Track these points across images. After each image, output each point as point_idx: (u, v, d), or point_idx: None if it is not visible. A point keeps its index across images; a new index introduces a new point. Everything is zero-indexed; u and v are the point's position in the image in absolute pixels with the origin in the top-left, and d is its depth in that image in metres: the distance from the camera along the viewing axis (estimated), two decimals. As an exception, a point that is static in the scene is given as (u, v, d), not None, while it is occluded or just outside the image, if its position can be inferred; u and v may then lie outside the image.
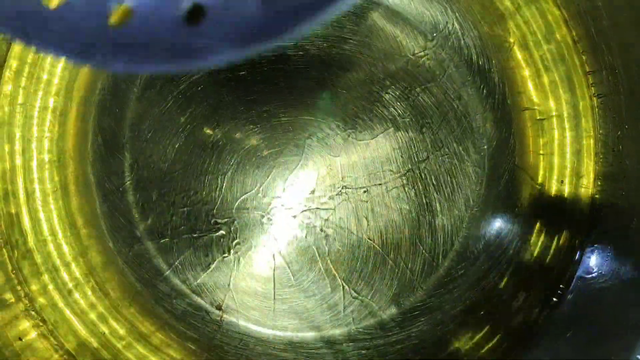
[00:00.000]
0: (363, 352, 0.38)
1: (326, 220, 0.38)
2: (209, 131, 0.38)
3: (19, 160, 0.38)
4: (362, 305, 0.38)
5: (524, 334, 0.37)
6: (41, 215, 0.38)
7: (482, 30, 0.38)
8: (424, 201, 0.38)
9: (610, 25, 0.34)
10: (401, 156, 0.38)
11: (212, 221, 0.38)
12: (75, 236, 0.38)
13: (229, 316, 0.38)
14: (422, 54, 0.38)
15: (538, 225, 0.38)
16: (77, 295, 0.38)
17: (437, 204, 0.38)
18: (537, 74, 0.38)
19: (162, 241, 0.38)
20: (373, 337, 0.38)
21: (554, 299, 0.37)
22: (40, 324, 0.37)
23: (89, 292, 0.38)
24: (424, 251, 0.38)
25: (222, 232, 0.38)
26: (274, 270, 0.38)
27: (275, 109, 0.38)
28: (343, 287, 0.38)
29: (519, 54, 0.38)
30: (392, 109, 0.38)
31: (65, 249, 0.38)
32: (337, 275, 0.38)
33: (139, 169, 0.38)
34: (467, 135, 0.38)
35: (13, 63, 0.37)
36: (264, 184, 0.38)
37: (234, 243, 0.38)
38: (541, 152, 0.38)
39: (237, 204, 0.38)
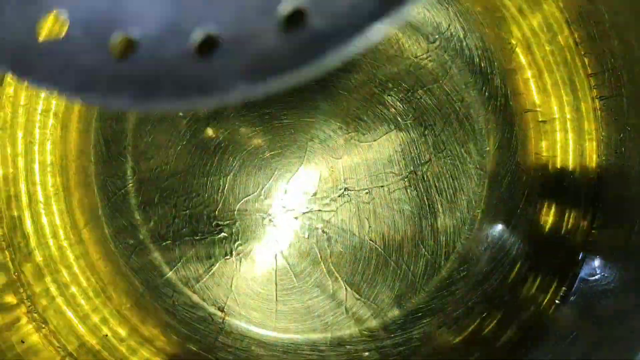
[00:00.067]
0: (365, 354, 0.38)
1: (328, 222, 0.38)
2: (211, 133, 0.38)
3: (21, 163, 0.38)
4: (364, 307, 0.38)
5: (526, 336, 0.37)
6: (43, 217, 0.38)
7: (484, 33, 0.38)
8: (426, 203, 0.38)
9: (612, 27, 0.34)
10: (403, 158, 0.38)
11: (214, 223, 0.38)
12: (77, 238, 0.38)
13: (231, 318, 0.38)
14: (424, 56, 0.38)
15: (540, 227, 0.38)
16: (79, 297, 0.38)
17: (439, 206, 0.38)
18: (539, 76, 0.38)
19: (164, 243, 0.38)
20: (375, 339, 0.38)
21: (557, 301, 0.37)
22: (43, 326, 0.37)
23: (91, 295, 0.38)
24: (426, 253, 0.38)
25: (224, 234, 0.38)
26: (276, 272, 0.38)
27: (277, 111, 0.38)
28: (345, 288, 0.38)
29: (521, 56, 0.38)
30: (394, 111, 0.38)
31: (68, 251, 0.38)
32: (339, 277, 0.38)
33: (141, 171, 0.38)
34: (469, 137, 0.38)
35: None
36: (266, 185, 0.38)
37: (235, 245, 0.38)
38: (543, 153, 0.38)
39: (239, 205, 0.38)
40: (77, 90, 0.14)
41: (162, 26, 0.14)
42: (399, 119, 0.38)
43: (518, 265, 0.38)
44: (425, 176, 0.38)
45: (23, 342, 0.35)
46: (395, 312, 0.38)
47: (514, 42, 0.38)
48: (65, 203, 0.38)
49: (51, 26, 0.15)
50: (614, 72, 0.35)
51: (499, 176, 0.38)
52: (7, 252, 0.37)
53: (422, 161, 0.38)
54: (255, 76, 0.13)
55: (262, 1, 0.14)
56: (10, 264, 0.37)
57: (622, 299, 0.33)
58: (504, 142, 0.38)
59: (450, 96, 0.38)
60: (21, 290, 0.37)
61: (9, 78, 0.37)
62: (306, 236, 0.38)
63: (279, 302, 0.38)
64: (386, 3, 0.12)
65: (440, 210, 0.38)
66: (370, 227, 0.38)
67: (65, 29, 0.14)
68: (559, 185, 0.38)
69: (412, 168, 0.38)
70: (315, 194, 0.38)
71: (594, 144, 0.37)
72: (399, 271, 0.38)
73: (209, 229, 0.38)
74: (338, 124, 0.38)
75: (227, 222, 0.38)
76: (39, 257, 0.38)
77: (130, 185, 0.38)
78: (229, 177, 0.38)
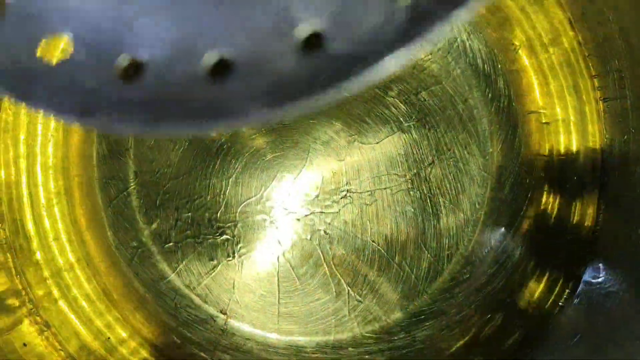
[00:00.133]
0: (368, 356, 0.38)
1: (330, 224, 0.38)
2: (213, 135, 0.38)
3: (23, 165, 0.38)
4: (366, 309, 0.38)
5: (530, 338, 0.37)
6: (45, 220, 0.38)
7: (488, 34, 0.38)
8: (429, 205, 0.38)
9: (616, 28, 0.34)
10: (406, 160, 0.38)
11: (216, 225, 0.38)
12: (79, 241, 0.38)
13: (233, 320, 0.38)
14: (427, 57, 0.38)
15: (544, 229, 0.38)
16: (81, 300, 0.38)
17: (443, 208, 0.38)
18: (542, 78, 0.38)
19: (166, 245, 0.38)
20: (378, 342, 0.38)
21: (561, 304, 0.36)
22: (45, 328, 0.37)
23: (93, 297, 0.38)
24: (429, 255, 0.38)
25: (226, 236, 0.38)
26: (278, 274, 0.38)
27: (279, 113, 0.38)
28: (348, 291, 0.38)
29: (524, 58, 0.38)
30: (397, 112, 0.38)
31: (70, 253, 0.38)
32: (341, 279, 0.38)
33: (143, 173, 0.38)
34: (472, 139, 0.38)
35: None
36: (268, 187, 0.38)
37: (238, 247, 0.38)
38: (547, 155, 0.38)
39: (241, 207, 0.38)
40: (80, 114, 0.14)
41: (172, 48, 0.13)
42: (402, 120, 0.38)
43: (521, 268, 0.38)
44: (428, 178, 0.38)
45: (25, 345, 0.35)
46: (398, 315, 0.38)
47: (517, 43, 0.38)
48: (67, 205, 0.38)
49: (53, 48, 0.14)
50: (618, 74, 0.35)
51: (502, 178, 0.38)
52: (8, 255, 0.37)
53: (425, 163, 0.38)
54: (271, 100, 0.13)
55: (278, 24, 0.13)
56: (12, 266, 0.37)
57: (626, 301, 0.33)
58: (508, 144, 0.38)
59: (453, 98, 0.38)
60: (23, 293, 0.37)
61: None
62: (308, 238, 0.38)
63: (281, 304, 0.38)
64: (407, 32, 0.12)
65: (443, 212, 0.38)
66: (372, 229, 0.38)
67: (69, 50, 0.14)
68: (562, 187, 0.38)
69: (415, 170, 0.38)
70: (317, 196, 0.38)
71: (598, 145, 0.37)
72: (401, 273, 0.38)
73: (211, 231, 0.38)
74: (341, 125, 0.38)
75: (229, 224, 0.38)
76: (41, 260, 0.38)
77: (132, 187, 0.38)
78: (231, 180, 0.38)
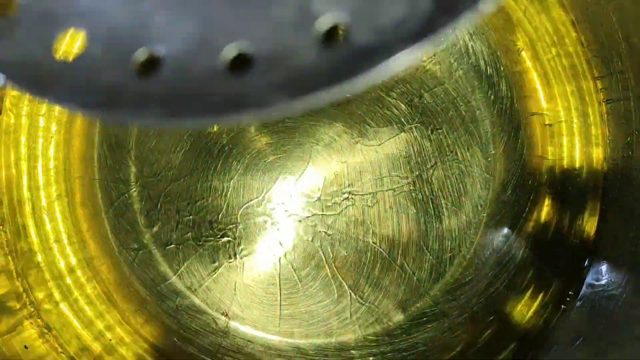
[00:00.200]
0: (370, 358, 0.38)
1: (332, 226, 0.38)
2: (214, 137, 0.38)
3: (24, 168, 0.37)
4: (368, 311, 0.38)
5: (532, 340, 0.37)
6: (46, 222, 0.38)
7: (490, 35, 0.38)
8: (431, 207, 0.38)
9: (619, 29, 0.34)
10: (408, 162, 0.38)
11: (218, 227, 0.38)
12: (80, 243, 0.38)
13: (235, 322, 0.38)
14: (430, 59, 0.38)
15: (546, 231, 0.38)
16: (82, 302, 0.38)
17: (445, 210, 0.38)
18: (545, 79, 0.38)
19: (167, 248, 0.38)
20: (380, 344, 0.38)
21: (563, 306, 0.36)
22: (46, 331, 0.37)
23: (95, 299, 0.38)
24: (431, 257, 0.38)
25: (227, 238, 0.38)
26: (280, 276, 0.38)
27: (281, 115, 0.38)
28: (350, 293, 0.38)
29: (527, 59, 0.38)
30: (400, 114, 0.38)
31: (71, 256, 0.38)
32: (343, 281, 0.38)
33: (144, 176, 0.38)
34: (474, 141, 0.38)
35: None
36: (270, 189, 0.38)
37: (239, 249, 0.38)
38: (549, 157, 0.38)
39: (242, 209, 0.38)
40: (99, 108, 0.14)
41: (190, 43, 0.13)
42: (404, 122, 0.38)
43: (524, 270, 0.38)
44: (430, 180, 0.38)
45: (26, 348, 0.35)
46: (400, 317, 0.38)
47: (519, 44, 0.37)
48: (69, 207, 0.38)
49: (69, 44, 0.14)
50: (621, 75, 0.35)
51: (505, 180, 0.38)
52: (10, 257, 0.37)
53: (428, 165, 0.38)
54: (292, 92, 0.12)
55: (298, 17, 0.13)
56: (13, 269, 0.37)
57: (629, 304, 0.33)
58: (510, 146, 0.38)
59: (456, 99, 0.38)
60: (24, 295, 0.37)
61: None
62: (310, 240, 0.38)
63: (282, 306, 0.38)
64: (432, 22, 0.12)
65: (446, 214, 0.38)
66: (374, 230, 0.38)
67: (85, 46, 0.14)
68: (565, 189, 0.38)
69: (417, 172, 0.38)
70: (319, 198, 0.38)
71: (601, 147, 0.37)
72: (403, 275, 0.38)
73: (213, 233, 0.38)
74: (343, 127, 0.38)
75: (231, 226, 0.38)
76: (42, 262, 0.38)
77: (134, 190, 0.38)
78: (232, 181, 0.38)
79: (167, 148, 0.38)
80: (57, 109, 0.38)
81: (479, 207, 0.38)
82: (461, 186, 0.38)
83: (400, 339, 0.38)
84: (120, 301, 0.38)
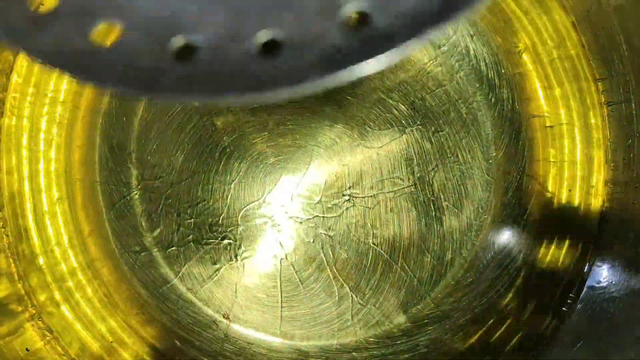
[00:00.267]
0: (371, 360, 0.38)
1: (333, 228, 0.38)
2: (215, 139, 0.38)
3: (25, 171, 0.37)
4: (369, 313, 0.38)
5: (533, 342, 0.37)
6: (48, 225, 0.38)
7: (491, 37, 0.38)
8: (432, 209, 0.38)
9: (620, 31, 0.34)
10: (409, 164, 0.38)
11: (219, 230, 0.38)
12: (82, 246, 0.38)
13: (236, 324, 0.38)
14: (431, 61, 0.38)
15: (547, 234, 0.38)
16: (83, 304, 0.38)
17: (446, 212, 0.38)
18: (546, 81, 0.38)
19: (169, 250, 0.38)
20: (381, 346, 0.38)
21: (564, 309, 0.36)
22: (47, 333, 0.37)
23: (96, 302, 0.38)
24: (432, 259, 0.38)
25: (228, 240, 0.38)
26: (281, 278, 0.38)
27: (282, 117, 0.38)
28: (351, 295, 0.38)
29: (528, 61, 0.38)
30: (401, 116, 0.38)
31: (72, 258, 0.38)
32: (344, 283, 0.38)
33: (145, 178, 0.38)
34: (475, 143, 0.38)
35: (20, 72, 0.37)
36: (271, 191, 0.38)
37: (240, 251, 0.38)
38: (551, 159, 0.38)
39: (243, 211, 0.38)
40: (143, 89, 0.15)
41: (222, 32, 0.14)
42: (405, 124, 0.38)
43: (524, 272, 0.38)
44: (431, 182, 0.38)
45: (28, 350, 0.35)
46: (401, 319, 0.38)
47: (521, 46, 0.37)
48: (70, 210, 0.38)
49: (107, 33, 0.15)
50: (623, 77, 0.35)
51: (506, 182, 0.38)
52: (11, 260, 0.37)
53: (429, 167, 0.38)
54: (321, 71, 0.14)
55: (323, 5, 0.14)
56: (15, 271, 0.37)
57: (630, 305, 0.33)
58: (511, 148, 0.38)
59: (457, 101, 0.38)
60: (26, 298, 0.37)
61: (14, 86, 0.37)
62: (311, 242, 0.38)
63: (284, 308, 0.38)
64: (446, 7, 0.13)
65: (447, 216, 0.38)
66: (375, 232, 0.38)
67: (122, 35, 0.15)
68: (566, 190, 0.38)
69: (418, 174, 0.38)
70: (320, 200, 0.38)
71: (602, 149, 0.37)
72: (404, 277, 0.38)
73: (214, 235, 0.38)
74: (344, 129, 0.38)
75: (232, 228, 0.38)
76: (43, 265, 0.38)
77: (135, 192, 0.38)
78: (233, 184, 0.38)
79: (168, 150, 0.38)
80: (57, 110, 0.38)
81: (480, 209, 0.38)
82: (462, 188, 0.38)
83: (402, 341, 0.38)
84: (121, 303, 0.38)
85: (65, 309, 0.38)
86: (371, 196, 0.38)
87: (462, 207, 0.38)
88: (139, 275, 0.38)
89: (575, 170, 0.38)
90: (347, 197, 0.38)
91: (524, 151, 0.38)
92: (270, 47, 0.14)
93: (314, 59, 0.14)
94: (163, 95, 0.15)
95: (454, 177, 0.38)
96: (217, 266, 0.38)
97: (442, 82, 0.38)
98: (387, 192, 0.38)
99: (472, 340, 0.38)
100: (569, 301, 0.36)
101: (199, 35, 0.15)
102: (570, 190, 0.38)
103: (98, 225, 0.38)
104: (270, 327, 0.38)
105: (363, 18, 0.14)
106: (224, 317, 0.38)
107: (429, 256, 0.38)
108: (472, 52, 0.38)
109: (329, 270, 0.38)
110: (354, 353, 0.38)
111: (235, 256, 0.38)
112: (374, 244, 0.38)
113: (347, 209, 0.38)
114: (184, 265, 0.38)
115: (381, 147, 0.38)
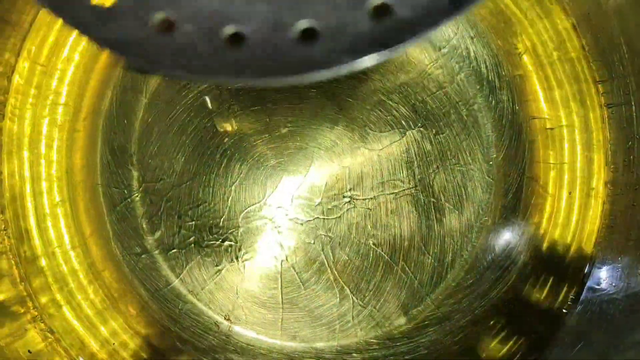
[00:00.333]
0: (372, 362, 0.38)
1: (334, 229, 0.38)
2: (216, 141, 0.38)
3: (27, 173, 0.38)
4: (370, 315, 0.38)
5: (534, 344, 0.37)
6: (49, 227, 0.38)
7: (492, 39, 0.38)
8: (433, 210, 0.38)
9: (620, 34, 0.34)
10: (410, 166, 0.38)
11: (220, 231, 0.38)
12: (83, 248, 0.38)
13: (237, 326, 0.38)
14: (431, 63, 0.38)
15: (547, 235, 0.38)
16: (85, 306, 0.38)
17: (446, 213, 0.38)
18: (546, 83, 0.38)
19: (170, 252, 0.38)
20: (382, 347, 0.38)
21: (564, 310, 0.37)
22: (49, 335, 0.37)
23: (97, 303, 0.38)
24: (432, 261, 0.38)
25: (229, 242, 0.38)
26: (282, 279, 0.38)
27: (283, 119, 0.38)
28: (351, 296, 0.38)
29: (528, 63, 0.38)
30: (401, 118, 0.38)
31: (74, 260, 0.38)
32: (345, 284, 0.38)
33: (146, 180, 0.38)
34: (476, 144, 0.38)
35: (22, 74, 0.37)
36: (272, 193, 0.38)
37: (241, 252, 0.38)
38: (551, 161, 0.38)
39: (244, 213, 0.38)
40: (201, 73, 0.17)
41: (265, 22, 0.17)
42: (406, 126, 0.38)
43: (525, 274, 0.38)
44: (431, 183, 0.38)
45: (30, 352, 0.35)
46: (402, 321, 0.38)
47: (521, 48, 0.37)
48: (71, 212, 0.38)
49: (163, 23, 0.17)
50: (623, 80, 0.35)
51: (506, 184, 0.38)
52: (13, 262, 0.37)
53: (429, 169, 0.38)
54: (351, 55, 0.16)
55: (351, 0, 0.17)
56: (16, 273, 0.37)
57: (630, 307, 0.33)
58: (511, 150, 0.38)
59: (457, 103, 0.38)
60: (27, 299, 0.37)
61: (15, 88, 0.37)
62: (312, 243, 0.38)
63: (284, 309, 0.38)
64: (456, 1, 0.16)
65: (447, 217, 0.38)
66: (376, 234, 0.38)
67: (177, 25, 0.17)
68: (566, 191, 0.38)
69: (418, 175, 0.38)
70: (321, 202, 0.38)
71: (602, 152, 0.37)
72: (405, 279, 0.38)
73: (215, 237, 0.38)
74: (344, 131, 0.38)
75: (233, 230, 0.38)
76: (45, 267, 0.38)
77: (136, 194, 0.38)
78: (234, 186, 0.38)
79: (169, 153, 0.38)
80: (58, 113, 0.38)
81: (480, 211, 0.38)
82: (463, 190, 0.38)
83: (402, 342, 0.38)
84: (122, 305, 0.38)
85: (66, 310, 0.38)
86: (372, 198, 0.38)
87: (463, 208, 0.38)
88: (140, 277, 0.38)
89: (575, 172, 0.38)
90: (347, 199, 0.38)
91: (524, 153, 0.38)
92: (309, 35, 0.17)
93: (346, 45, 0.16)
94: (218, 78, 0.16)
95: (454, 179, 0.38)
96: (218, 268, 0.38)
97: (442, 84, 0.38)
98: (388, 194, 0.38)
99: (473, 342, 0.38)
100: (569, 303, 0.37)
101: (246, 25, 0.17)
102: (570, 192, 0.38)
103: (99, 227, 0.38)
104: (271, 329, 0.38)
105: (385, 9, 0.16)
106: (225, 318, 0.38)
107: (430, 258, 0.38)
108: (472, 54, 0.38)
109: (329, 271, 0.38)
110: (354, 354, 0.38)
111: (236, 258, 0.38)
112: (374, 245, 0.38)
113: (347, 210, 0.38)
114: (185, 267, 0.38)
115: (382, 149, 0.38)
